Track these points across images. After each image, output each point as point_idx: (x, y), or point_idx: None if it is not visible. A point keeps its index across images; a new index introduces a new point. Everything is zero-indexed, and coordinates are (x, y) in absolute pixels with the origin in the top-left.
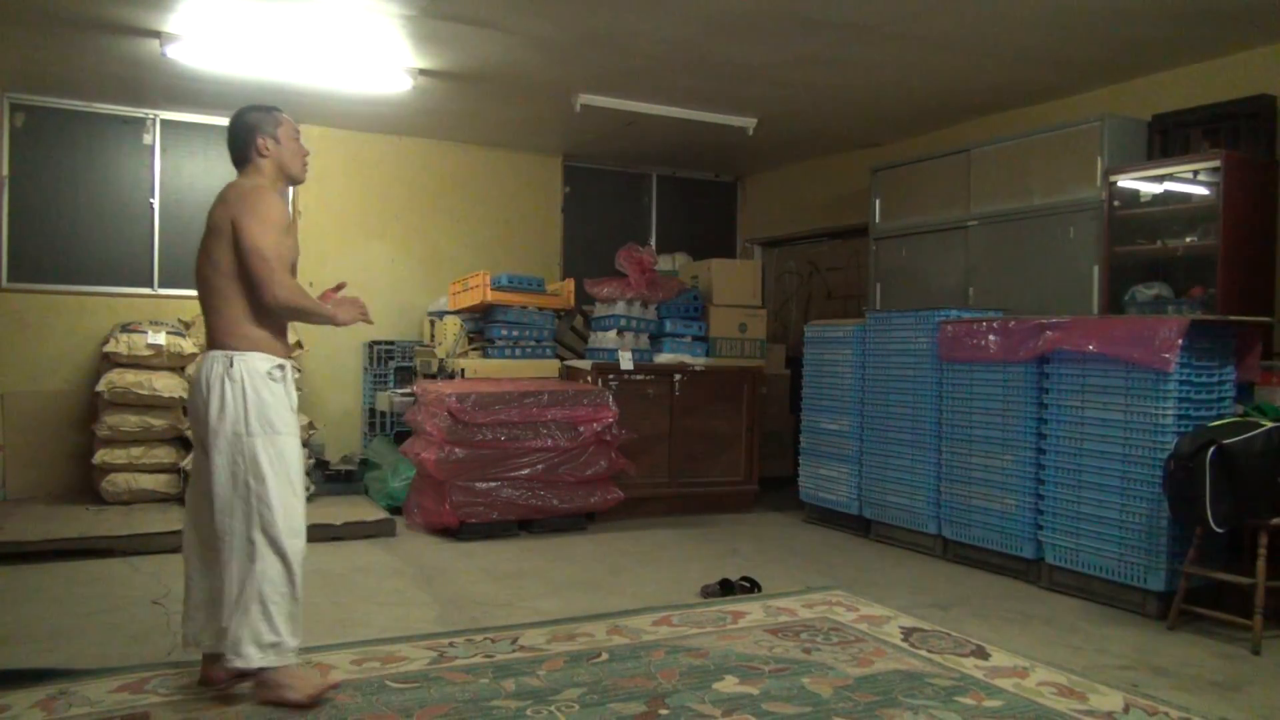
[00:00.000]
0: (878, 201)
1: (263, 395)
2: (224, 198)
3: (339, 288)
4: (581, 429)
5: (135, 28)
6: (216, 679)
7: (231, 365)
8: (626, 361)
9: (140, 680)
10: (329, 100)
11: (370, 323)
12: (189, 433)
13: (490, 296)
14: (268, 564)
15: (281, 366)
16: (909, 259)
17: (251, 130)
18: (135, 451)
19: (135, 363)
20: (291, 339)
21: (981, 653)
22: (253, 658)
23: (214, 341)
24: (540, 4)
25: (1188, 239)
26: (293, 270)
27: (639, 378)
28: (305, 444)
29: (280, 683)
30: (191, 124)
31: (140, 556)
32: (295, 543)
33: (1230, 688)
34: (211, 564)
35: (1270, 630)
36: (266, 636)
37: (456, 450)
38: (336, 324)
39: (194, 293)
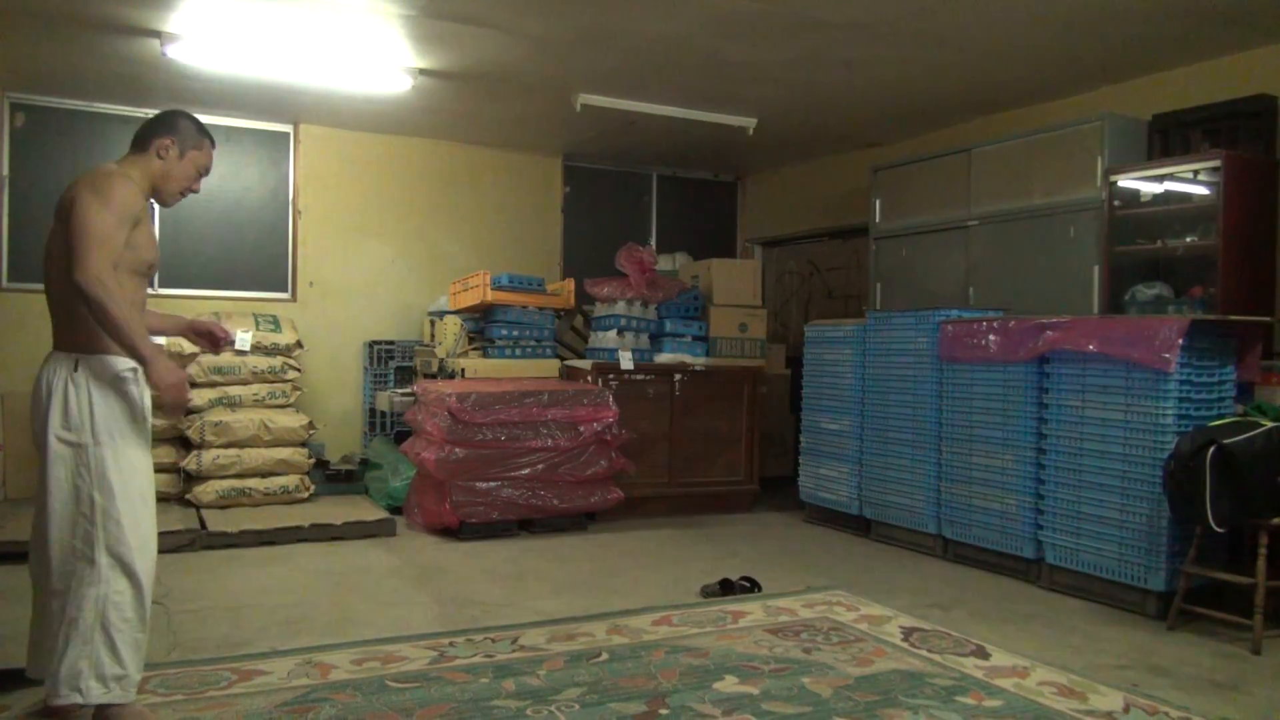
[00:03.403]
0: (878, 201)
1: (111, 402)
2: (74, 182)
3: (210, 335)
4: (582, 429)
5: (135, 27)
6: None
7: (76, 368)
8: (626, 361)
9: (141, 680)
10: (329, 100)
11: (181, 415)
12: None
13: (490, 296)
14: (114, 587)
15: (135, 369)
16: (909, 259)
17: (169, 130)
18: None
19: None
20: (291, 337)
21: (981, 652)
22: (93, 692)
23: (59, 341)
24: (540, 4)
25: (1188, 239)
26: (145, 273)
27: (639, 378)
28: (305, 444)
29: None
30: None
31: None
32: (145, 562)
33: (1230, 688)
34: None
35: (1270, 630)
36: (110, 668)
37: (457, 450)
38: (149, 371)
39: (194, 292)
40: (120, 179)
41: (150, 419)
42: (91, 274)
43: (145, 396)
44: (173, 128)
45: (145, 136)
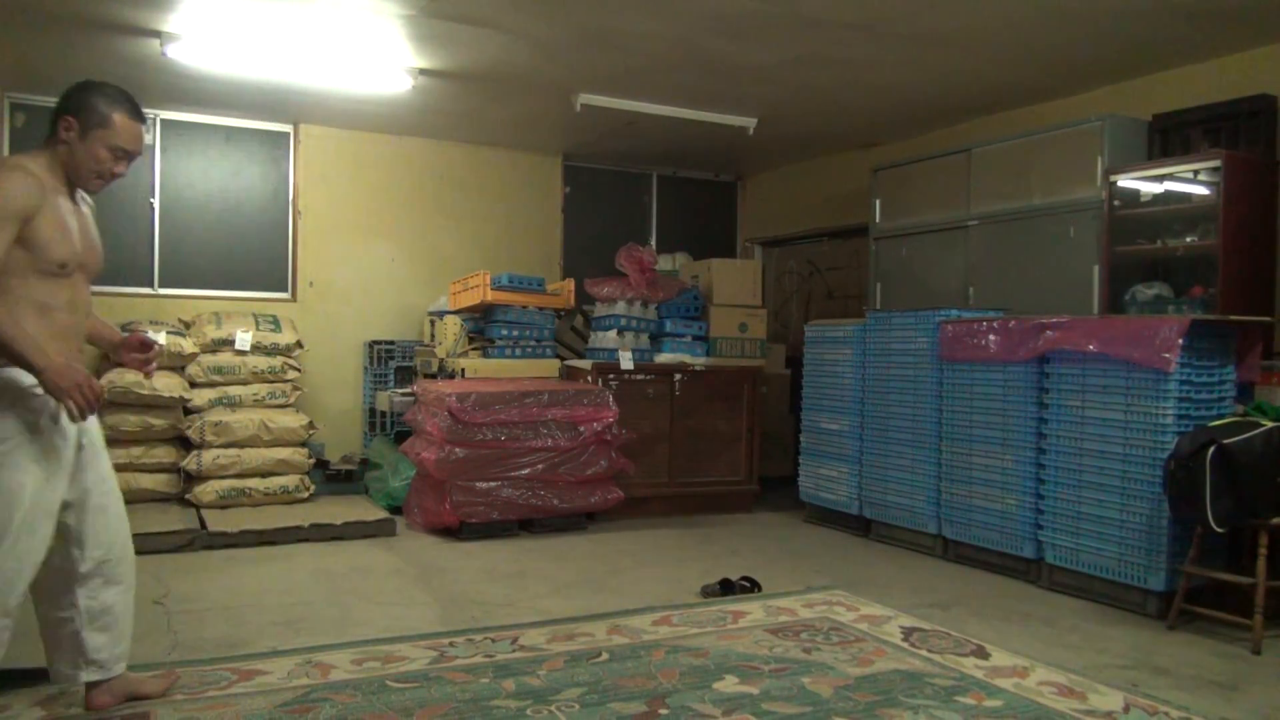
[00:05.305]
0: (878, 201)
1: None
2: None
3: (146, 347)
4: (582, 429)
5: (135, 27)
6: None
7: None
8: (626, 361)
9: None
10: (329, 100)
11: (88, 414)
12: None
13: (490, 296)
14: None
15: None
16: (909, 259)
17: (68, 107)
18: (135, 451)
19: None
20: (291, 337)
21: (981, 652)
22: None
23: None
24: (540, 4)
25: (1188, 239)
26: (59, 274)
27: (639, 378)
28: (305, 444)
29: None
30: (191, 124)
31: (140, 556)
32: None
33: (1230, 688)
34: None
35: (1270, 630)
36: None
37: (457, 450)
38: (42, 382)
39: (194, 292)
40: (5, 171)
41: (49, 432)
42: None
43: (40, 408)
44: (72, 104)
45: (53, 116)
